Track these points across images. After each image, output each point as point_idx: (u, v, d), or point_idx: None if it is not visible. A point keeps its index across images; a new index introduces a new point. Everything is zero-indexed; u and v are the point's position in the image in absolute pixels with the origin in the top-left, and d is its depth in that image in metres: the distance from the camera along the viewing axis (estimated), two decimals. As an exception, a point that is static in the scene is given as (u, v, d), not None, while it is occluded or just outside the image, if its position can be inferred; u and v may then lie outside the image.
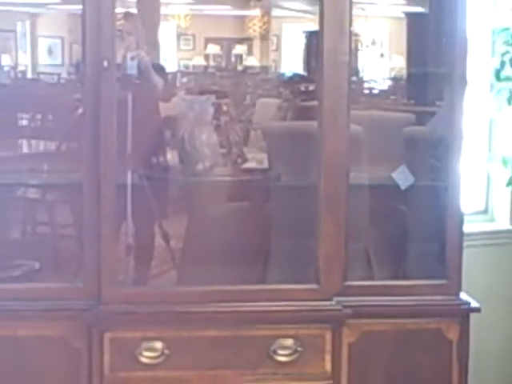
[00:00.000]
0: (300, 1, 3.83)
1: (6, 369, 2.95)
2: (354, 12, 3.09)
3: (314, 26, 3.19)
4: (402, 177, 3.33)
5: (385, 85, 3.90)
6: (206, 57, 3.74)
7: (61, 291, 3.03)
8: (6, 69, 3.54)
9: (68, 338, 2.95)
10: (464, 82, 3.14)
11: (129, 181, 3.21)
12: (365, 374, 3.09)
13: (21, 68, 3.58)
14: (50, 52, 3.53)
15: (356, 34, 3.45)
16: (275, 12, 3.80)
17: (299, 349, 3.02)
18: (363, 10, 3.52)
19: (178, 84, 3.76)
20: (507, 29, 3.94)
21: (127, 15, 3.41)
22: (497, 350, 4.07)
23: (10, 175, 3.35)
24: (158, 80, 3.47)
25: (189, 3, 3.71)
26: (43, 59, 3.53)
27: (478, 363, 3.39)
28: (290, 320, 3.05)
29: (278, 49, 3.83)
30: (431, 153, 3.42)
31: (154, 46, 3.62)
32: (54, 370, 2.96)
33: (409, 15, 3.85)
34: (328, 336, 3.05)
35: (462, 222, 3.17)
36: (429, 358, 3.13)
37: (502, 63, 3.94)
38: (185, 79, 3.76)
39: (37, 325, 2.96)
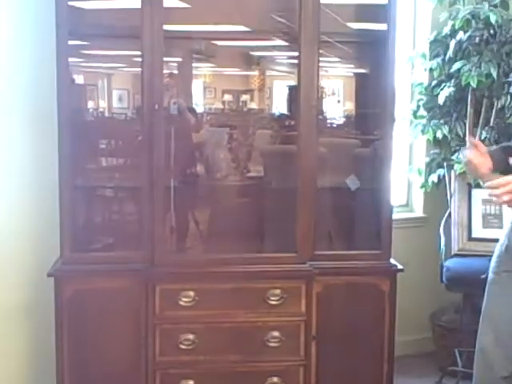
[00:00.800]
0: (285, 65, 3.76)
1: (89, 310, 3.01)
2: (321, 73, 3.15)
3: (294, 82, 3.20)
4: (352, 182, 3.40)
5: (340, 121, 3.81)
6: (223, 102, 3.67)
7: (127, 257, 3.10)
8: (90, 110, 3.50)
9: (132, 289, 3.02)
10: (393, 119, 3.20)
11: (172, 184, 3.23)
12: (327, 313, 3.15)
13: (100, 110, 3.52)
14: (120, 99, 3.48)
15: (321, 87, 3.38)
16: (268, 72, 3.72)
17: (284, 296, 3.10)
18: (326, 71, 3.52)
19: (204, 120, 3.70)
20: (421, 83, 3.96)
21: (171, 74, 3.39)
22: (415, 298, 3.98)
23: (94, 180, 3.42)
24: (191, 118, 3.54)
25: (211, 67, 3.65)
26: (115, 104, 3.48)
27: (402, 307, 3.33)
28: (278, 277, 3.12)
29: (270, 97, 3.75)
30: (371, 166, 3.42)
31: (188, 95, 3.61)
32: (123, 310, 3.03)
33: (356, 74, 3.85)
34: (303, 287, 3.13)
35: (391, 212, 3.23)
36: (369, 303, 3.20)
37: (418, 106, 3.95)
38: (209, 117, 3.70)
39: (111, 280, 3.01)
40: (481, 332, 2.55)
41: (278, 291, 3.12)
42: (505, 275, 2.50)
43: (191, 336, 3.07)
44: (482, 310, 2.60)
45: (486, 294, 2.59)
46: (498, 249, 2.62)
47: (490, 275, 2.59)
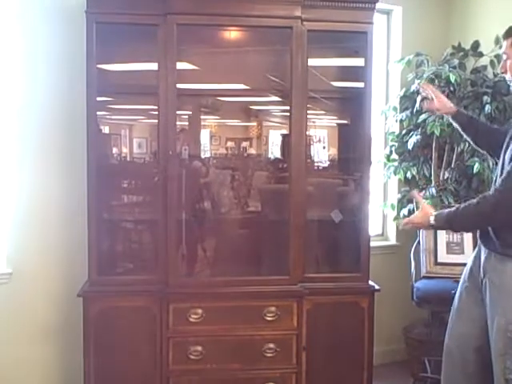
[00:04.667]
0: (278, 117, 3.71)
1: (111, 326, 3.00)
2: (308, 123, 3.16)
3: (286, 131, 3.21)
4: (336, 215, 3.39)
5: (325, 164, 3.77)
6: (227, 148, 3.66)
7: (145, 280, 3.09)
8: (115, 155, 3.48)
9: (149, 307, 3.01)
10: (370, 162, 3.20)
11: (183, 218, 3.22)
12: (315, 328, 3.14)
13: (123, 155, 3.50)
14: (140, 146, 3.48)
15: (309, 136, 3.36)
16: (265, 123, 3.70)
17: (278, 313, 3.10)
18: (313, 122, 3.51)
19: (210, 163, 3.65)
20: (393, 132, 3.94)
21: (182, 127, 3.40)
22: (390, 314, 3.88)
23: (117, 214, 3.43)
24: (199, 162, 3.53)
25: (217, 119, 3.66)
26: (135, 150, 3.47)
27: (379, 322, 3.28)
28: (274, 296, 3.11)
29: (266, 143, 3.72)
30: (352, 201, 3.43)
31: (197, 143, 3.60)
32: (141, 325, 3.01)
33: (339, 125, 3.82)
34: (295, 305, 3.12)
35: (369, 241, 3.23)
36: (351, 318, 3.18)
37: (391, 151, 3.95)
38: (215, 161, 3.67)
39: (131, 299, 3.01)
40: (448, 340, 2.52)
41: (273, 308, 3.11)
42: (465, 294, 2.46)
43: (199, 347, 3.05)
44: (452, 319, 2.55)
45: (452, 307, 2.54)
46: (465, 270, 2.55)
47: (457, 293, 2.54)
